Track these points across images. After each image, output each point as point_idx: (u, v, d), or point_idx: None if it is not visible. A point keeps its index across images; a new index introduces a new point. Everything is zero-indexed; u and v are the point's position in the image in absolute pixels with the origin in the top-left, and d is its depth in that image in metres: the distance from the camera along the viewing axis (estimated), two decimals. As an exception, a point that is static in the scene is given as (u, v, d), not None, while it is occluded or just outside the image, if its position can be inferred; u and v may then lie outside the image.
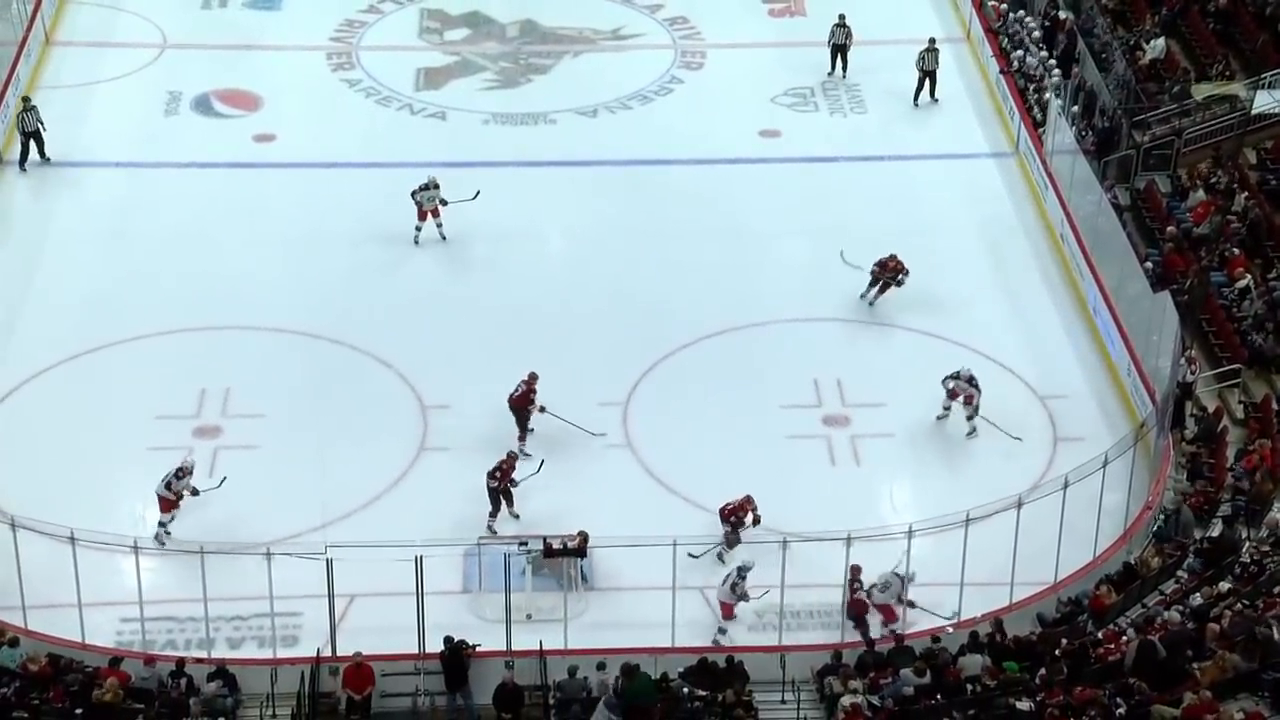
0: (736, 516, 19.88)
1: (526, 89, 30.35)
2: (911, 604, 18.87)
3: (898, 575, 18.79)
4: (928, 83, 29.31)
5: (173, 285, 24.69)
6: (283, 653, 18.61)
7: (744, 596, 18.87)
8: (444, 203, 25.24)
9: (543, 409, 21.34)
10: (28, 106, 27.16)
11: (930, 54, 29.25)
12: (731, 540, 19.72)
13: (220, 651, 18.64)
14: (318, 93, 29.98)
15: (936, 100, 29.34)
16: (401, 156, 28.00)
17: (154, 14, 31.93)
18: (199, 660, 18.31)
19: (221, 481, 20.40)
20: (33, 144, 27.09)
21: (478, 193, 25.46)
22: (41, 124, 27.16)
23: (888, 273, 23.97)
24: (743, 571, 18.86)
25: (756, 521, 19.90)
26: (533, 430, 21.43)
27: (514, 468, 20.32)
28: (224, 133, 28.73)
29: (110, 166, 27.70)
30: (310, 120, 29.09)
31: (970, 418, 21.79)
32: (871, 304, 24.01)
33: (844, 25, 30.06)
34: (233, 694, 17.95)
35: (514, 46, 31.69)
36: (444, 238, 25.43)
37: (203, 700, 17.64)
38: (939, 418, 22.02)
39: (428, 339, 23.65)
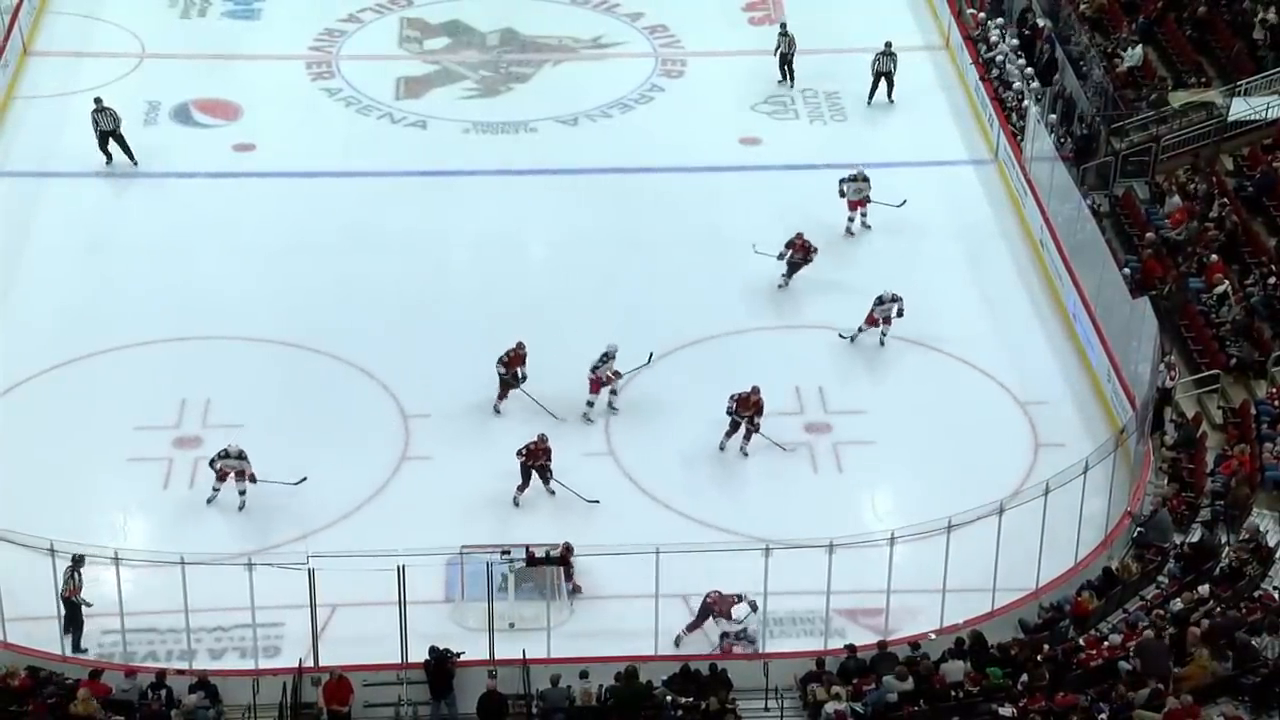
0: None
1: (507, 98, 30.36)
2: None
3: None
4: (884, 84, 29.45)
5: (152, 295, 24.61)
6: (265, 663, 18.53)
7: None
8: (868, 200, 25.91)
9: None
10: (100, 107, 27.28)
11: (886, 56, 29.39)
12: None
13: (202, 663, 18.56)
14: (297, 102, 29.93)
15: (893, 102, 29.49)
16: (382, 166, 28.02)
17: (132, 24, 31.87)
18: (180, 672, 18.22)
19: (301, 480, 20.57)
20: (113, 142, 27.27)
21: (904, 201, 26.04)
22: (118, 121, 27.29)
23: (798, 252, 24.40)
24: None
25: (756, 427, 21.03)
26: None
27: (543, 450, 20.45)
28: (203, 142, 28.67)
29: (89, 177, 27.61)
30: (290, 130, 29.04)
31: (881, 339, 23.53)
32: (782, 287, 24.49)
33: (786, 34, 30.14)
34: (214, 705, 17.88)
35: (494, 55, 31.69)
36: (867, 226, 26.03)
37: (184, 712, 17.57)
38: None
39: (409, 348, 23.62)
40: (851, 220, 26.12)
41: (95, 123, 27.38)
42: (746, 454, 21.46)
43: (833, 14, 32.32)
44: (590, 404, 22.11)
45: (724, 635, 18.73)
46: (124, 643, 18.62)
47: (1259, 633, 17.82)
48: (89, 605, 18.59)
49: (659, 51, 31.68)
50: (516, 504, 20.62)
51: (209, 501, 20.51)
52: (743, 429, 21.37)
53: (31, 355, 23.24)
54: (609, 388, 22.07)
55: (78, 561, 18.39)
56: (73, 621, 18.54)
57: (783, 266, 24.61)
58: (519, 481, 20.66)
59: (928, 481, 21.26)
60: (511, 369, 21.22)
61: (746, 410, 21.26)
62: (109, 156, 27.49)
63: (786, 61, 30.08)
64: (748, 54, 31.25)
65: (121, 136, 27.45)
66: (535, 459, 20.56)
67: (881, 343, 23.40)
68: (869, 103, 29.46)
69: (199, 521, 20.30)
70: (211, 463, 20.50)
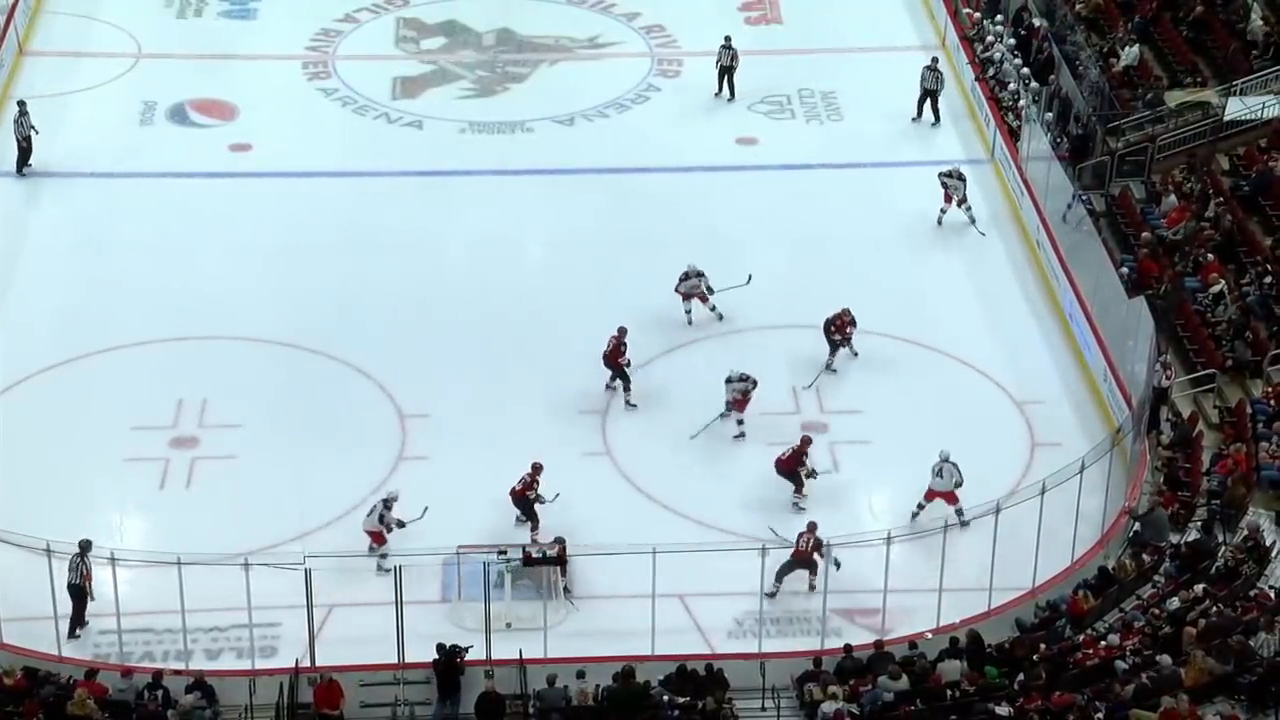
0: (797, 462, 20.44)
1: (503, 98, 30.37)
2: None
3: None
4: (929, 102, 29.03)
5: (149, 295, 24.61)
6: (261, 664, 18.53)
7: (392, 525, 19.15)
8: (966, 203, 26.07)
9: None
10: (23, 110, 27.06)
11: (933, 74, 28.98)
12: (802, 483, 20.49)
13: (198, 663, 18.56)
14: (294, 102, 29.94)
15: (939, 121, 29.07)
16: (378, 166, 28.02)
17: (129, 24, 31.86)
18: (177, 672, 18.22)
19: (424, 512, 19.58)
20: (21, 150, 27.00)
21: (984, 234, 26.10)
22: (34, 130, 26.95)
23: (838, 331, 23.01)
24: (389, 502, 19.38)
25: (812, 474, 20.53)
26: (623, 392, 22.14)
27: (537, 480, 20.11)
28: (200, 142, 28.66)
29: (85, 177, 27.60)
30: (286, 130, 29.04)
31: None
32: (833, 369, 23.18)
33: (729, 47, 29.95)
34: (211, 705, 17.88)
35: (491, 55, 31.70)
36: (982, 234, 25.99)
37: (180, 712, 17.56)
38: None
39: (406, 348, 23.63)
40: (943, 212, 26.09)
41: (19, 126, 26.83)
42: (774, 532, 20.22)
43: (831, 14, 32.35)
44: (689, 312, 23.66)
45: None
46: (120, 643, 18.60)
47: (1255, 632, 17.84)
48: (93, 599, 18.53)
49: (655, 51, 31.68)
50: (536, 543, 19.71)
51: (383, 568, 19.04)
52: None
53: (29, 355, 23.22)
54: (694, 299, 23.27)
55: (84, 548, 18.39)
56: (78, 608, 18.48)
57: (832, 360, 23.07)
58: (530, 523, 20.10)
59: (924, 481, 21.23)
60: (525, 493, 20.12)
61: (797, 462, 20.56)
62: (26, 160, 26.90)
63: (727, 74, 29.80)
64: (744, 54, 31.16)
65: (31, 147, 26.89)
66: (533, 490, 20.05)
67: (740, 433, 21.57)
68: (916, 118, 29.01)
69: (195, 521, 20.28)
70: (381, 518, 19.40)
